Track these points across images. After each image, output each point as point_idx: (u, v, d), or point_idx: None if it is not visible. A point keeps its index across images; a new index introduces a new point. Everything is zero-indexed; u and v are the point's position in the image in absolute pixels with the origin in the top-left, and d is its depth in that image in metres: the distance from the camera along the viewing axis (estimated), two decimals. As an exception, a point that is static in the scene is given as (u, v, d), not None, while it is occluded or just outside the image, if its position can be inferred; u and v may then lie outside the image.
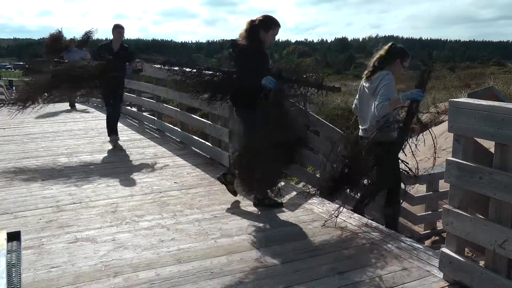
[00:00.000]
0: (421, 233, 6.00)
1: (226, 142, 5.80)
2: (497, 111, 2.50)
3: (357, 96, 4.41)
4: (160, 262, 3.23)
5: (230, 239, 3.65)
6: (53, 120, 9.63)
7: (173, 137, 7.55)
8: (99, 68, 6.46)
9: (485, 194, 2.61)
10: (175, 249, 3.44)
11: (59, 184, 5.10)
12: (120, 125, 8.88)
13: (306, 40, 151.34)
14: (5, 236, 1.86)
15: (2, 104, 6.36)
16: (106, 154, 6.58)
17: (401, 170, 4.09)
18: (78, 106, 11.71)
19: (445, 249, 2.89)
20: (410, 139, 3.95)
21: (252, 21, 4.24)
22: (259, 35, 4.21)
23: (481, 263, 2.92)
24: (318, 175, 6.00)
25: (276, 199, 4.41)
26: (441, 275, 2.96)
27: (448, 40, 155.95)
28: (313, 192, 4.32)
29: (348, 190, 4.13)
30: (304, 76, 4.05)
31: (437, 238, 5.95)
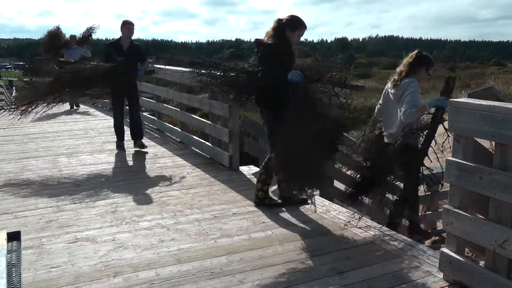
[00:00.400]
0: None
1: (226, 142, 5.80)
2: (497, 111, 2.50)
3: (380, 101, 4.49)
4: (160, 262, 3.23)
5: (230, 239, 3.65)
6: (53, 120, 9.63)
7: (173, 137, 7.55)
8: (109, 69, 6.07)
9: (485, 194, 2.61)
10: (175, 249, 3.44)
11: (59, 184, 5.10)
12: (120, 125, 8.91)
13: (306, 40, 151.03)
14: (5, 236, 1.86)
15: (4, 109, 5.89)
16: (106, 154, 6.57)
17: (426, 175, 4.07)
18: (80, 107, 11.55)
19: (445, 249, 2.89)
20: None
21: (279, 20, 4.18)
22: (286, 34, 4.15)
23: (481, 263, 2.92)
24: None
25: (276, 198, 4.41)
26: (441, 275, 2.97)
27: (448, 40, 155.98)
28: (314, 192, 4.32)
29: (369, 196, 4.18)
30: (328, 75, 3.98)
31: (437, 238, 5.95)
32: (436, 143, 3.91)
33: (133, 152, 6.68)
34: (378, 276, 3.03)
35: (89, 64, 6.17)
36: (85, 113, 10.96)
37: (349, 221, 3.97)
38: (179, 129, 7.40)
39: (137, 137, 6.77)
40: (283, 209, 4.35)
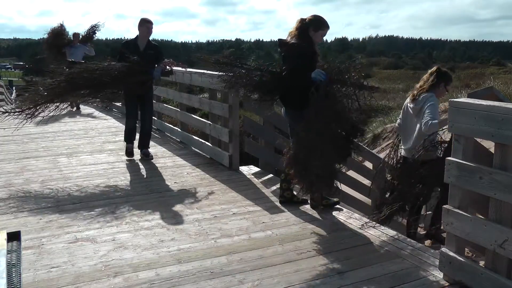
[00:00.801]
0: (421, 233, 6.00)
1: (226, 142, 5.80)
2: (497, 111, 2.50)
3: (400, 115, 4.67)
4: (160, 262, 3.23)
5: (230, 239, 3.65)
6: (53, 120, 9.61)
7: (173, 137, 7.55)
8: (121, 69, 5.55)
9: (485, 194, 2.61)
10: (175, 249, 3.44)
11: (59, 184, 5.10)
12: (120, 125, 8.90)
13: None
14: (5, 236, 1.86)
15: (8, 113, 5.32)
16: (106, 154, 6.57)
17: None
18: (82, 108, 11.32)
19: (445, 249, 2.89)
20: None
21: (302, 20, 4.17)
22: (309, 34, 4.14)
23: (481, 263, 2.92)
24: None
25: (331, 198, 4.38)
26: (441, 275, 2.97)
27: (448, 40, 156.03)
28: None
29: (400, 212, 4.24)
30: (347, 76, 3.98)
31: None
32: None
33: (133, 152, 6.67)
34: (378, 276, 3.03)
35: (100, 64, 5.62)
36: (87, 114, 10.95)
37: (348, 221, 3.98)
38: (179, 129, 7.40)
39: (144, 147, 6.34)
40: (283, 208, 4.35)
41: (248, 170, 5.76)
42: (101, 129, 8.58)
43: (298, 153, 3.88)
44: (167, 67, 5.92)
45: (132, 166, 5.94)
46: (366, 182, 7.18)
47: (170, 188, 5.03)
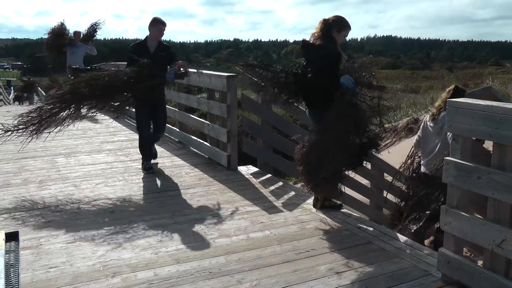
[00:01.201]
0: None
1: (224, 142, 5.80)
2: (495, 111, 2.50)
3: (419, 133, 4.88)
4: (159, 262, 3.23)
5: (228, 239, 3.65)
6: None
7: (172, 137, 7.55)
8: (133, 76, 5.03)
9: (484, 194, 2.61)
10: (173, 249, 3.44)
11: (57, 184, 5.09)
12: (118, 125, 8.90)
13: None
14: (3, 236, 1.86)
15: (10, 130, 4.78)
16: (104, 154, 6.57)
17: None
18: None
19: (443, 249, 2.90)
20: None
21: (325, 20, 4.13)
22: (332, 35, 4.10)
23: (479, 262, 2.93)
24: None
25: (335, 201, 4.37)
26: (439, 274, 2.97)
27: (446, 40, 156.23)
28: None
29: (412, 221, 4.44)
30: (356, 75, 4.00)
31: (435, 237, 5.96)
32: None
33: (132, 152, 6.67)
34: (376, 276, 3.03)
35: (107, 71, 5.18)
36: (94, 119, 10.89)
37: (346, 221, 3.98)
38: (177, 129, 7.40)
39: (150, 158, 5.85)
40: (282, 209, 4.36)
41: (247, 170, 5.76)
42: (99, 129, 8.57)
43: (310, 152, 3.89)
44: (181, 69, 5.37)
45: (130, 167, 5.93)
46: (365, 182, 7.21)
47: (168, 188, 5.02)
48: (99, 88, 4.94)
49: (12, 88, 30.77)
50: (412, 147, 5.14)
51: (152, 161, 5.87)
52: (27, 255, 3.28)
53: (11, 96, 25.64)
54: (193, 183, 5.18)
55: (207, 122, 6.24)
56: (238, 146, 5.80)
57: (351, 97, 3.86)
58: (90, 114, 5.39)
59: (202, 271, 3.09)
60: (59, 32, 10.46)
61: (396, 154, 8.18)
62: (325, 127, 3.87)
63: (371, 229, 3.86)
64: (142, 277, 3.01)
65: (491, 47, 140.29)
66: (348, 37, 4.33)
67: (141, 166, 5.72)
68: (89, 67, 6.21)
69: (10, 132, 4.74)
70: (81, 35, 10.49)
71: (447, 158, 2.83)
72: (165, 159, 6.26)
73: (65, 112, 4.98)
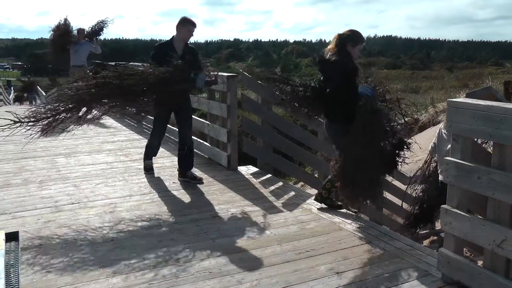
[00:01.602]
0: (420, 232, 6.00)
1: (224, 142, 5.80)
2: (495, 111, 2.50)
3: (434, 140, 4.88)
4: (159, 262, 3.22)
5: (228, 239, 3.65)
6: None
7: (172, 137, 7.54)
8: (166, 77, 4.58)
9: (484, 194, 2.61)
10: (173, 249, 3.43)
11: (58, 184, 5.09)
12: (118, 125, 8.91)
13: (305, 40, 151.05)
14: (4, 236, 1.86)
15: (20, 122, 4.21)
16: (105, 154, 6.57)
17: None
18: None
19: (443, 249, 2.90)
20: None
21: (340, 35, 4.16)
22: (347, 49, 4.13)
23: (480, 263, 2.92)
24: (316, 175, 6.25)
25: (336, 201, 4.40)
26: (439, 275, 2.97)
27: (446, 40, 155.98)
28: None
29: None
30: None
31: (435, 238, 5.96)
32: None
33: (132, 152, 6.67)
34: (376, 276, 3.03)
35: (136, 69, 4.71)
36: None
37: (347, 221, 3.98)
38: (177, 129, 7.38)
39: (189, 168, 5.27)
40: (282, 209, 4.36)
41: (247, 170, 5.76)
42: (99, 129, 8.56)
43: (345, 166, 3.94)
44: (212, 77, 4.91)
45: (130, 167, 5.93)
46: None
47: (168, 188, 5.02)
48: (125, 87, 4.47)
49: (12, 88, 30.79)
50: (427, 154, 5.21)
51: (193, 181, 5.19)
52: (27, 255, 3.28)
53: (11, 96, 25.67)
54: (193, 183, 5.17)
55: (207, 122, 6.23)
56: (238, 146, 5.80)
57: (372, 104, 3.88)
58: (104, 116, 4.98)
59: (202, 271, 3.09)
60: (63, 31, 10.15)
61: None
62: (354, 138, 3.90)
63: (371, 229, 3.86)
64: (142, 277, 3.01)
65: (491, 47, 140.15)
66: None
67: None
68: (113, 63, 5.56)
69: (19, 124, 4.20)
70: (85, 32, 10.16)
71: (447, 158, 2.83)
72: (165, 159, 6.26)
73: (83, 111, 4.49)
